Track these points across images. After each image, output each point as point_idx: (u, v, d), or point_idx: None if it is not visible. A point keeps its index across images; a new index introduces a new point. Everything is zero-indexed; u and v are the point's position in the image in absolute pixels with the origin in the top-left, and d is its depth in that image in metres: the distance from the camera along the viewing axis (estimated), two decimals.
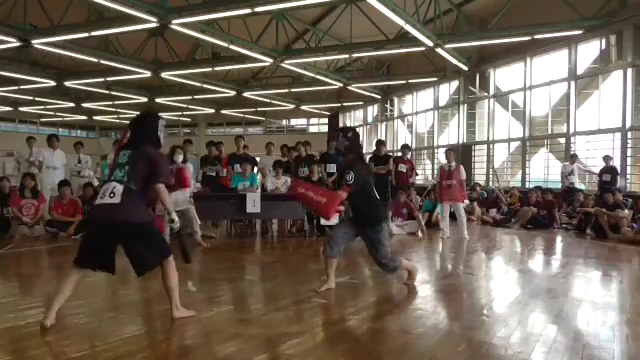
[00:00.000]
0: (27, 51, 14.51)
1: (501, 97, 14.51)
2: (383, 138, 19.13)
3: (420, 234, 8.80)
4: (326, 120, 25.38)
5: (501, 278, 5.70)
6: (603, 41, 11.07)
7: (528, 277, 5.49)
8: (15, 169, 12.29)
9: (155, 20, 9.84)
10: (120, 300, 4.28)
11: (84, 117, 26.41)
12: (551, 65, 12.67)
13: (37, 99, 20.81)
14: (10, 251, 6.81)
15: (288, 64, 14.26)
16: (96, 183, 9.46)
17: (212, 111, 23.76)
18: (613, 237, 8.31)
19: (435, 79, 16.38)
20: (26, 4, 10.99)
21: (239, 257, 6.77)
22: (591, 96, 11.82)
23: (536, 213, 10.01)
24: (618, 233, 8.30)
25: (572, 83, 11.83)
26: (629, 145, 10.49)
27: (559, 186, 11.19)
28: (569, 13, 10.60)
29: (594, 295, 4.55)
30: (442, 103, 17.19)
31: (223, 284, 4.97)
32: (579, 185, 11.17)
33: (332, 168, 9.31)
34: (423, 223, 9.09)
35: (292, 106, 22.08)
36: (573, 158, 10.93)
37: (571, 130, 11.85)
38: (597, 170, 10.55)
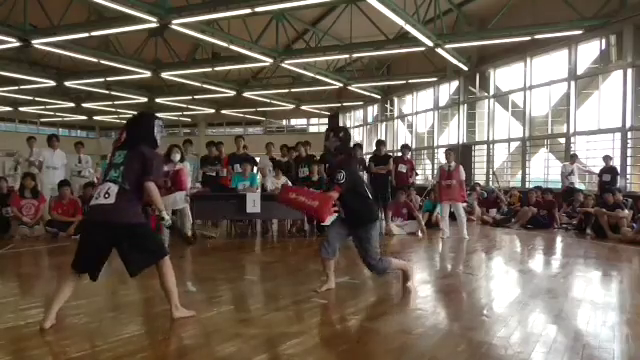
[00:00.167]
0: (27, 51, 14.51)
1: (501, 97, 14.51)
2: (383, 138, 19.13)
3: (420, 234, 8.81)
4: (326, 120, 25.37)
5: (501, 278, 5.70)
6: (603, 41, 11.07)
7: (528, 277, 5.49)
8: (12, 169, 12.25)
9: (155, 20, 9.84)
10: (120, 300, 4.28)
11: (84, 117, 26.42)
12: (551, 65, 12.67)
13: (37, 99, 20.81)
14: (10, 251, 6.82)
15: (288, 64, 14.26)
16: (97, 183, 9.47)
17: (212, 111, 23.77)
18: (613, 237, 8.31)
19: (435, 79, 16.38)
20: (26, 4, 10.99)
21: (239, 257, 6.77)
22: (591, 96, 11.82)
23: (536, 213, 10.01)
24: (618, 233, 8.30)
25: (572, 83, 11.83)
26: (629, 145, 10.49)
27: (559, 186, 11.19)
28: (569, 13, 10.60)
29: (594, 295, 4.55)
30: (442, 103, 17.19)
31: (223, 284, 4.97)
32: (579, 185, 11.17)
33: None
34: (423, 223, 9.09)
35: (292, 106, 22.09)
36: (573, 158, 10.93)
37: (571, 130, 11.85)
38: (597, 170, 10.55)
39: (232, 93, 18.93)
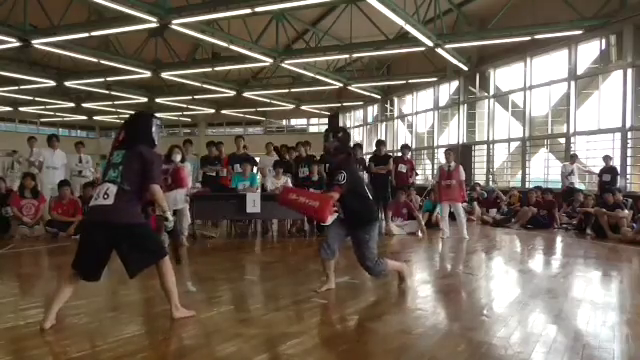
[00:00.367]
0: (27, 51, 14.50)
1: (501, 97, 14.51)
2: (383, 138, 19.13)
3: (420, 234, 8.81)
4: (326, 120, 25.37)
5: (501, 278, 5.70)
6: (603, 41, 11.07)
7: (528, 277, 5.49)
8: (9, 169, 12.22)
9: (155, 20, 9.84)
10: (120, 300, 4.28)
11: (84, 117, 26.43)
12: (551, 65, 12.67)
13: (37, 99, 20.82)
14: (10, 251, 6.81)
15: (288, 64, 14.26)
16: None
17: (212, 111, 23.77)
18: (613, 237, 8.31)
19: (435, 79, 16.38)
20: (26, 4, 11.00)
21: (239, 257, 6.77)
22: (591, 96, 11.82)
23: (536, 213, 10.01)
24: (618, 233, 8.30)
25: (572, 83, 11.83)
26: (629, 145, 10.49)
27: (559, 186, 11.19)
28: (569, 13, 10.61)
29: (594, 295, 4.55)
30: (442, 103, 17.19)
31: (223, 284, 4.97)
32: (579, 185, 11.17)
33: None
34: (423, 223, 9.09)
35: (292, 106, 22.09)
36: (573, 158, 10.93)
37: (571, 130, 11.85)
38: (597, 170, 10.55)
39: (232, 93, 18.93)
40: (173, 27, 10.44)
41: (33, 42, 11.55)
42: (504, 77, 14.53)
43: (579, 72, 11.78)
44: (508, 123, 14.19)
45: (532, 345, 3.10)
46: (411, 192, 9.92)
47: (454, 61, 13.48)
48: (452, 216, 8.59)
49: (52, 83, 16.79)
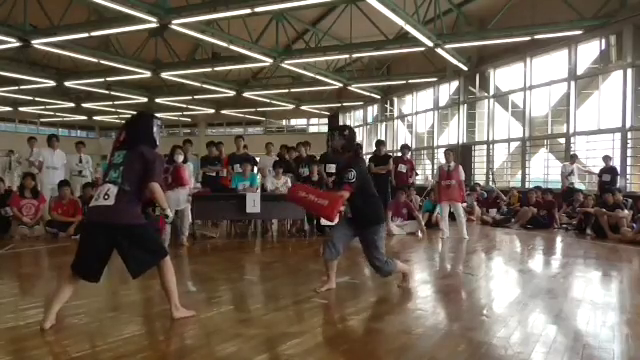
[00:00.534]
0: (27, 51, 14.51)
1: (501, 97, 14.51)
2: (383, 138, 19.13)
3: (420, 234, 8.80)
4: (326, 120, 25.37)
5: (501, 278, 5.70)
6: (603, 41, 11.07)
7: (528, 277, 5.49)
8: (5, 169, 12.23)
9: (155, 20, 9.84)
10: (120, 300, 4.28)
11: (84, 117, 26.42)
12: (551, 65, 12.67)
13: (37, 99, 20.81)
14: (10, 251, 6.81)
15: (288, 64, 14.26)
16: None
17: (212, 111, 23.77)
18: (613, 237, 8.31)
19: (435, 79, 16.38)
20: (26, 4, 11.00)
21: (239, 257, 6.77)
22: (591, 96, 11.82)
23: (536, 213, 10.01)
24: (618, 233, 8.30)
25: (572, 83, 11.83)
26: (629, 145, 10.49)
27: (559, 186, 11.19)
28: (569, 13, 10.61)
29: (594, 295, 4.55)
30: (442, 103, 17.19)
31: (223, 284, 4.97)
32: (579, 185, 11.17)
33: (332, 168, 9.30)
34: (423, 223, 9.09)
35: (292, 106, 22.09)
36: (573, 158, 10.94)
37: (571, 130, 11.85)
38: (597, 170, 10.55)
39: (232, 93, 18.93)
40: (173, 27, 10.44)
41: (33, 42, 11.55)
42: (504, 77, 14.53)
43: (579, 72, 11.78)
44: (508, 123, 14.19)
45: (532, 345, 3.10)
46: (411, 192, 9.92)
47: (454, 61, 13.48)
48: (452, 216, 8.59)
49: (52, 83, 16.78)
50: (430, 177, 14.63)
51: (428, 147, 18.08)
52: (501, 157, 14.86)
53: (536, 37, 11.29)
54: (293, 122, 27.83)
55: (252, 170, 8.93)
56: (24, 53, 15.14)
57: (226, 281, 5.10)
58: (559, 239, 8.76)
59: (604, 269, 6.05)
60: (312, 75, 15.74)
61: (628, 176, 10.64)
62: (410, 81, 17.15)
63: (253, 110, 23.77)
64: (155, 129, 3.51)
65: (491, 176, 14.41)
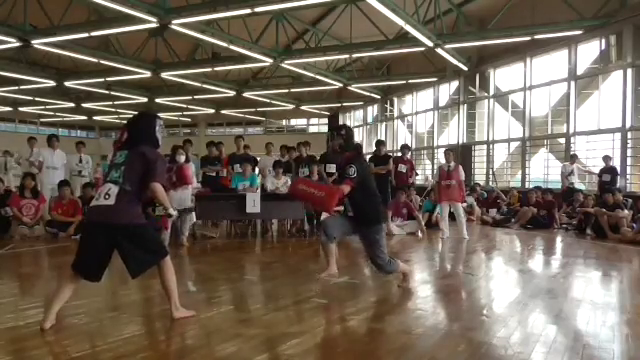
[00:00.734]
0: (27, 51, 14.52)
1: (501, 97, 14.52)
2: (383, 138, 19.13)
3: (420, 234, 8.80)
4: (326, 120, 25.38)
5: (501, 278, 5.70)
6: (603, 41, 11.07)
7: (528, 277, 5.49)
8: (1, 171, 12.20)
9: (155, 20, 9.84)
10: (120, 300, 4.28)
11: (84, 117, 26.43)
12: (551, 65, 12.68)
13: (37, 99, 20.82)
14: (10, 251, 6.81)
15: (288, 64, 14.27)
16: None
17: (212, 111, 23.77)
18: (613, 237, 8.31)
19: (435, 79, 16.39)
20: (26, 4, 11.00)
21: (239, 257, 6.77)
22: (591, 96, 11.82)
23: (536, 213, 10.01)
24: (618, 233, 8.30)
25: (572, 83, 11.83)
26: (629, 145, 10.49)
27: (559, 186, 11.20)
28: (569, 13, 10.61)
29: (594, 295, 4.55)
30: (442, 103, 17.19)
31: (223, 284, 4.97)
32: (579, 185, 11.17)
33: (332, 168, 9.30)
34: (423, 223, 9.09)
35: (292, 106, 22.09)
36: (573, 158, 10.94)
37: (571, 130, 11.85)
38: (597, 170, 10.55)
39: (232, 93, 18.94)
40: (173, 27, 10.44)
41: (33, 42, 11.55)
42: (504, 77, 14.53)
43: (579, 72, 11.79)
44: (508, 123, 14.19)
45: (532, 345, 3.10)
46: (411, 192, 9.92)
47: (454, 61, 13.48)
48: (452, 216, 8.59)
49: (52, 83, 16.79)
50: (430, 177, 14.63)
51: (428, 147, 18.08)
52: (501, 157, 14.87)
53: (536, 37, 11.29)
54: (293, 122, 27.84)
55: (253, 170, 8.93)
56: (24, 53, 15.15)
57: (226, 281, 5.10)
58: (559, 239, 8.76)
59: (604, 269, 6.04)
60: (312, 75, 15.75)
61: (628, 176, 10.64)
62: (410, 81, 17.16)
63: (253, 110, 23.78)
64: (157, 129, 3.51)
65: (491, 176, 14.42)
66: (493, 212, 11.15)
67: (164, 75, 15.54)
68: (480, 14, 13.63)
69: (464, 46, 12.72)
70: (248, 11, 9.67)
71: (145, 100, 20.54)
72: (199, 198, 7.91)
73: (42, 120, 27.00)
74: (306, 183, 4.67)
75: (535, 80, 13.06)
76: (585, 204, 9.45)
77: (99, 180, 10.97)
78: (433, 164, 16.92)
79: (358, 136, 23.49)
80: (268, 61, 13.70)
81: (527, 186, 12.74)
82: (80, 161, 10.04)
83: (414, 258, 6.66)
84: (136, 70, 14.78)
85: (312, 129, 26.61)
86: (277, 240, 8.55)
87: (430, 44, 11.62)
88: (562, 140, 12.32)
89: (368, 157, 10.20)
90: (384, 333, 3.36)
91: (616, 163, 10.37)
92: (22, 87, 17.79)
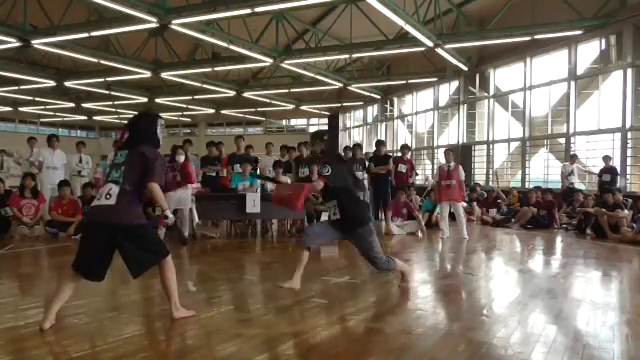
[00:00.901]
0: (27, 51, 14.51)
1: (501, 97, 14.51)
2: (383, 138, 19.13)
3: (420, 234, 8.80)
4: (326, 120, 25.37)
5: (501, 278, 5.70)
6: (603, 41, 11.07)
7: (528, 277, 5.49)
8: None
9: (155, 20, 9.84)
10: (120, 300, 4.28)
11: (84, 117, 26.41)
12: (551, 65, 12.67)
13: (37, 99, 20.81)
14: (10, 251, 6.81)
15: (288, 64, 14.26)
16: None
17: (212, 111, 23.76)
18: (613, 237, 8.31)
19: (435, 79, 16.38)
20: (26, 4, 10.99)
21: (239, 257, 6.77)
22: (591, 96, 11.82)
23: (536, 213, 10.01)
24: (618, 233, 8.30)
25: (572, 83, 11.82)
26: (629, 145, 10.48)
27: (559, 186, 11.19)
28: (569, 13, 10.60)
29: (594, 295, 4.55)
30: (442, 103, 17.18)
31: (223, 284, 4.97)
32: (579, 185, 11.17)
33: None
34: (423, 223, 9.09)
35: (292, 106, 22.08)
36: (573, 158, 10.93)
37: (571, 130, 11.85)
38: (597, 170, 10.55)
39: (232, 93, 18.93)
40: (173, 27, 10.44)
41: (33, 42, 11.54)
42: (504, 77, 14.52)
43: (579, 72, 11.78)
44: (508, 123, 14.19)
45: (532, 345, 3.10)
46: (411, 192, 9.92)
47: (454, 61, 13.47)
48: (452, 216, 8.59)
49: (52, 83, 16.77)
50: (430, 177, 14.64)
51: (428, 147, 18.07)
52: (501, 157, 14.86)
53: (536, 37, 11.29)
54: (293, 122, 27.83)
55: (254, 170, 8.93)
56: (24, 53, 15.14)
57: (226, 281, 5.10)
58: (559, 239, 8.76)
59: (604, 269, 6.05)
60: (312, 75, 15.74)
61: (628, 176, 10.63)
62: (410, 81, 17.14)
63: (253, 110, 23.77)
64: (159, 129, 3.52)
65: (492, 176, 14.42)
66: (493, 212, 11.15)
67: (164, 75, 15.54)
68: (480, 14, 13.63)
69: (464, 46, 12.72)
70: (248, 11, 9.66)
71: (145, 100, 20.53)
72: (199, 198, 7.91)
73: (42, 120, 26.98)
74: (280, 188, 4.73)
75: (535, 80, 13.05)
76: (585, 204, 9.45)
77: (99, 180, 10.98)
78: (433, 164, 16.90)
79: (358, 136, 23.51)
80: (268, 61, 13.70)
81: (527, 186, 12.74)
82: (80, 161, 10.05)
83: (414, 258, 6.66)
84: (136, 70, 14.77)
85: (312, 129, 26.60)
86: (277, 240, 8.55)
87: (430, 44, 11.62)
88: (562, 140, 12.32)
89: (368, 157, 10.23)
90: (384, 333, 3.35)
91: (616, 163, 10.36)
92: (22, 87, 17.77)
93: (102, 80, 16.85)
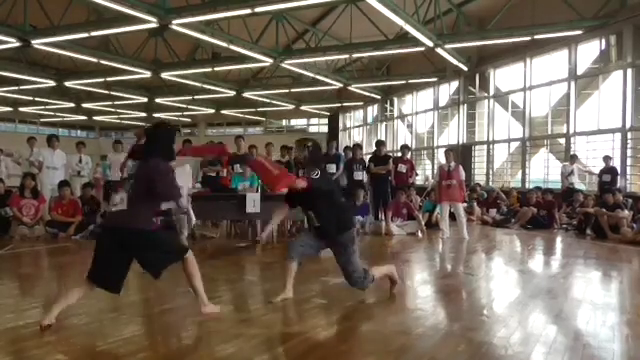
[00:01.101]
0: (27, 51, 14.51)
1: (501, 97, 14.51)
2: (383, 138, 19.12)
3: (420, 234, 8.80)
4: (326, 120, 25.38)
5: (501, 278, 5.70)
6: (603, 41, 11.08)
7: (528, 277, 5.49)
8: None
9: (155, 20, 9.83)
10: (120, 300, 4.27)
11: (84, 117, 26.41)
12: (551, 65, 12.67)
13: (37, 99, 20.81)
14: (10, 251, 6.81)
15: (288, 64, 14.26)
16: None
17: (212, 111, 23.77)
18: (613, 237, 8.31)
19: (435, 79, 16.37)
20: (26, 4, 10.99)
21: (239, 257, 6.77)
22: (591, 96, 11.81)
23: (536, 213, 10.01)
24: (618, 233, 8.31)
25: (572, 83, 11.82)
26: (629, 145, 10.48)
27: (559, 186, 11.19)
28: (569, 13, 10.60)
29: (594, 295, 4.55)
30: (442, 103, 17.19)
31: (223, 284, 4.96)
32: (579, 185, 11.17)
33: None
34: (423, 223, 9.09)
35: (292, 106, 22.09)
36: (573, 158, 10.93)
37: (571, 130, 11.85)
38: (597, 170, 10.55)
39: (232, 93, 18.93)
40: (173, 27, 10.44)
41: (33, 42, 11.54)
42: (504, 77, 14.52)
43: (579, 72, 11.78)
44: (508, 123, 14.19)
45: (532, 345, 3.10)
46: (411, 192, 9.92)
47: (454, 61, 13.47)
48: (452, 216, 8.59)
49: (52, 83, 16.78)
50: (430, 177, 14.64)
51: (428, 147, 18.07)
52: (501, 157, 14.86)
53: (536, 37, 11.28)
54: (293, 122, 27.83)
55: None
56: (24, 53, 15.14)
57: (226, 281, 5.10)
58: (559, 239, 8.76)
59: (604, 269, 6.05)
60: (312, 75, 15.74)
61: (628, 176, 10.63)
62: (410, 81, 17.14)
63: (253, 110, 23.77)
64: (175, 142, 3.55)
65: (492, 177, 14.42)
66: (493, 212, 11.15)
67: (164, 75, 15.53)
68: (480, 14, 13.63)
69: (464, 46, 12.72)
70: (248, 11, 9.66)
71: (145, 100, 20.53)
72: (199, 198, 7.89)
73: (42, 120, 26.98)
74: (268, 161, 4.71)
75: (535, 80, 13.05)
76: (585, 204, 9.45)
77: (98, 180, 10.98)
78: (433, 164, 16.91)
79: (358, 136, 23.51)
80: (268, 61, 13.70)
81: (527, 186, 12.74)
82: (80, 161, 10.04)
83: (414, 258, 6.66)
84: (136, 70, 14.77)
85: (312, 129, 26.60)
86: (277, 240, 8.55)
87: (430, 44, 11.61)
88: (562, 140, 12.32)
89: (368, 157, 10.22)
90: (384, 333, 3.35)
91: (616, 163, 10.36)
92: (22, 87, 17.77)
93: (102, 80, 16.84)
